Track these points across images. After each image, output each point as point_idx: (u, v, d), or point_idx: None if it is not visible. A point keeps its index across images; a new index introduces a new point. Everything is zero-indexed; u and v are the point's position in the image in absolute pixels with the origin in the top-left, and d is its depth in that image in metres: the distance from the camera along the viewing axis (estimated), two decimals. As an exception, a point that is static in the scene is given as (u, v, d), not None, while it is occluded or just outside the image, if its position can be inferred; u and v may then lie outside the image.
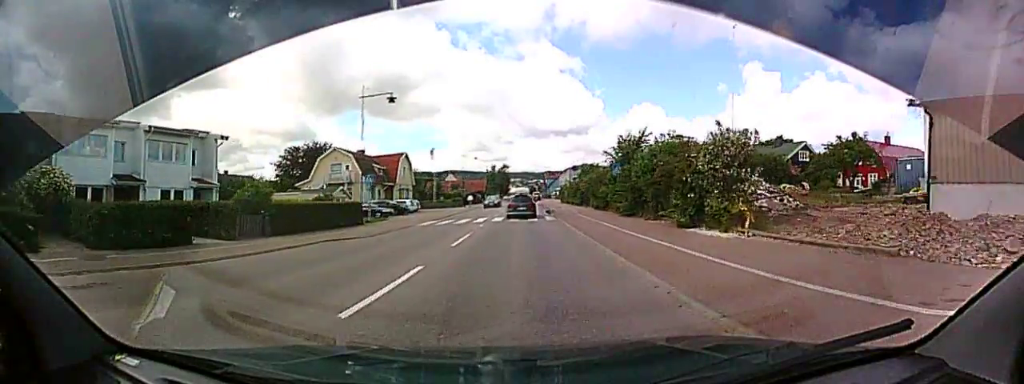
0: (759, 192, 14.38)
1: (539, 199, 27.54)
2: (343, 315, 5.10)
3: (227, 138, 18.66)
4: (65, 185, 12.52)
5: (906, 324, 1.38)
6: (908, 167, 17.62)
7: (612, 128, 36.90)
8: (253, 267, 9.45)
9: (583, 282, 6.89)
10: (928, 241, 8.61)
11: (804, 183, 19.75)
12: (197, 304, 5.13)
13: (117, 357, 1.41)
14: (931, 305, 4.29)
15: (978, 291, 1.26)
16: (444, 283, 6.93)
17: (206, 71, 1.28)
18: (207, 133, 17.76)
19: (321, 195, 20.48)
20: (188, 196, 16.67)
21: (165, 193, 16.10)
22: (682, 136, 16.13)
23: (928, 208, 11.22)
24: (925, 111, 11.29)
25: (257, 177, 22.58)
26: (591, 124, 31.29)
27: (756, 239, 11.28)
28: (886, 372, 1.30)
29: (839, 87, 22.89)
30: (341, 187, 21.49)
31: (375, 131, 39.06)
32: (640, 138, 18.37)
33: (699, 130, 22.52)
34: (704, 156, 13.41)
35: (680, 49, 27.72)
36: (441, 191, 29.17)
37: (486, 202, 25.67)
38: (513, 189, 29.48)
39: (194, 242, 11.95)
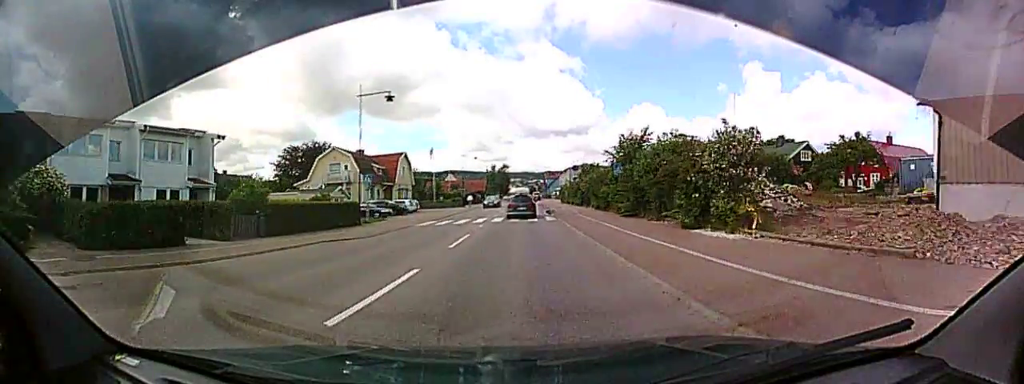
0: (764, 192, 14.05)
1: (539, 199, 27.57)
2: (330, 323, 4.84)
3: (223, 137, 18.66)
4: (58, 185, 12.47)
5: (906, 324, 1.38)
6: (912, 167, 17.59)
7: (612, 128, 37.10)
8: (244, 268, 9.33)
9: (587, 287, 6.64)
10: (945, 243, 8.35)
11: (807, 183, 19.72)
12: (196, 304, 5.13)
13: (117, 357, 1.42)
14: (953, 308, 4.13)
15: (978, 291, 1.26)
16: (441, 286, 6.73)
17: (206, 71, 1.28)
18: (204, 132, 17.71)
19: (318, 195, 20.41)
20: (184, 196, 16.59)
21: (161, 193, 16.03)
22: (685, 135, 15.93)
23: (937, 208, 11.03)
24: (934, 110, 11.20)
25: (256, 177, 22.65)
26: (591, 124, 31.42)
27: (764, 240, 10.93)
28: (886, 372, 1.30)
29: (839, 87, 23.00)
30: (340, 187, 21.48)
31: (375, 131, 39.21)
32: (642, 137, 18.26)
33: (699, 130, 22.51)
34: (710, 155, 13.10)
35: (680, 49, 27.83)
36: (441, 191, 29.19)
37: (486, 202, 25.67)
38: (513, 189, 29.51)
39: (187, 242, 11.85)
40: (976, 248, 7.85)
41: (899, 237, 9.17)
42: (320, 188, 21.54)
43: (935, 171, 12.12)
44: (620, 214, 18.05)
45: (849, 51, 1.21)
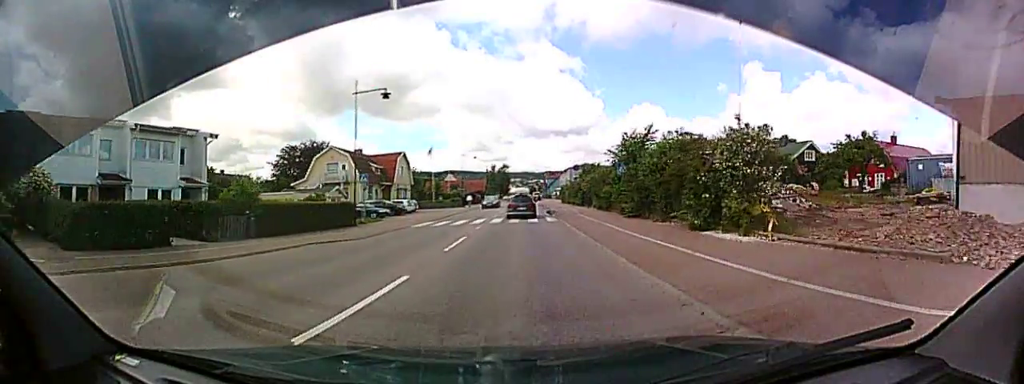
0: (778, 193, 13.47)
1: (539, 199, 27.58)
2: (297, 340, 4.26)
3: (217, 136, 18.38)
4: (45, 184, 12.27)
5: (906, 324, 1.38)
6: (920, 167, 17.49)
7: (612, 128, 37.16)
8: (230, 271, 8.77)
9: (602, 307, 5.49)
10: (981, 246, 7.89)
11: (813, 183, 19.61)
12: (190, 305, 5.08)
13: (117, 357, 1.42)
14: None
15: (978, 291, 1.26)
16: (430, 297, 6.01)
17: (206, 71, 1.28)
18: (197, 131, 17.47)
19: (313, 195, 20.25)
20: (176, 196, 16.28)
21: (153, 193, 15.74)
22: (690, 133, 15.51)
23: (957, 208, 10.77)
24: (954, 110, 11.03)
25: (254, 177, 22.65)
26: (591, 124, 31.45)
27: (783, 243, 10.20)
28: (886, 372, 1.30)
29: (839, 87, 23.00)
30: (337, 187, 21.42)
31: (375, 131, 39.25)
32: (646, 136, 17.96)
33: (699, 130, 22.39)
34: (722, 153, 12.50)
35: (680, 49, 27.92)
36: (440, 191, 29.20)
37: (485, 202, 25.67)
38: (513, 189, 29.57)
39: (173, 243, 11.51)
40: (1017, 252, 7.32)
41: (930, 239, 8.70)
42: (317, 188, 21.49)
43: (954, 171, 11.89)
44: (624, 215, 17.61)
45: (849, 51, 1.21)
